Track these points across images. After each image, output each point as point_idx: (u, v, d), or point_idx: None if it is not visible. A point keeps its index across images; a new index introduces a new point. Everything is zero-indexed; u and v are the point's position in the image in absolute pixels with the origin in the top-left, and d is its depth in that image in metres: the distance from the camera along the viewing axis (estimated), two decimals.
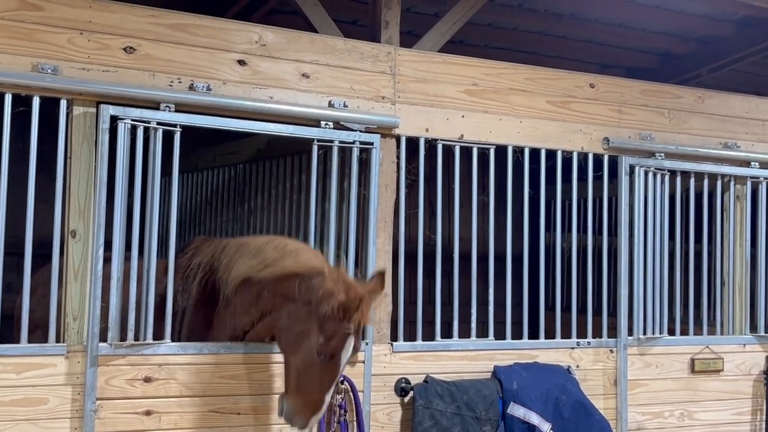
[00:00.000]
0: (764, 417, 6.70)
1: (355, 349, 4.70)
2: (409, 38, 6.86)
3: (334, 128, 5.35)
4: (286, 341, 4.74)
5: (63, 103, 4.71)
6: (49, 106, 4.71)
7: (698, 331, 6.65)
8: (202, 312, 5.19)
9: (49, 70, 4.66)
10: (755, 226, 6.92)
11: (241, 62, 5.19)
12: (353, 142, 5.39)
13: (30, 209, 4.61)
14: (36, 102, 4.66)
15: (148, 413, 4.80)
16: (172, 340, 4.97)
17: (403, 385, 5.48)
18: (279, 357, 5.09)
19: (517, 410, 5.55)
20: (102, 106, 4.76)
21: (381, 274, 4.76)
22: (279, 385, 5.09)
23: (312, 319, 4.60)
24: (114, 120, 4.78)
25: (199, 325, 5.18)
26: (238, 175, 7.02)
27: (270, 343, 5.18)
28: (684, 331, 6.59)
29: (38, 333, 4.82)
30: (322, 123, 5.32)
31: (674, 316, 6.53)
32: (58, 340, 4.68)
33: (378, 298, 4.78)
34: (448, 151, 5.80)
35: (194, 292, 5.20)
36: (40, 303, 4.95)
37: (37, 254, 4.67)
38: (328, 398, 4.62)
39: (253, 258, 4.92)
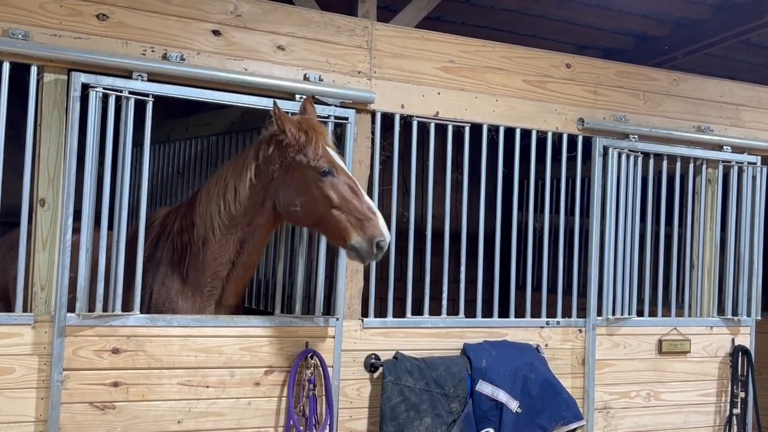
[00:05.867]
0: (729, 398, 6.78)
1: (344, 160, 4.99)
2: (386, 13, 6.84)
3: None
4: (302, 206, 4.91)
5: (33, 70, 4.63)
6: (20, 72, 4.63)
7: (666, 312, 6.71)
8: (174, 277, 5.17)
9: (20, 36, 4.58)
10: (725, 210, 6.98)
11: (216, 32, 5.13)
12: (328, 117, 5.35)
13: None
14: (6, 67, 4.58)
15: (115, 384, 4.77)
16: (142, 310, 4.94)
17: (373, 361, 5.49)
18: (249, 331, 5.09)
19: (485, 388, 5.58)
20: (73, 73, 4.69)
21: (307, 98, 5.12)
22: (248, 359, 5.08)
23: (290, 168, 4.88)
24: (85, 88, 4.71)
25: (174, 290, 5.16)
26: (211, 147, 6.96)
27: (241, 316, 5.17)
28: (652, 313, 6.65)
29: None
30: (297, 96, 5.28)
31: (643, 297, 6.58)
32: (25, 310, 4.64)
33: (311, 114, 5.06)
34: (423, 128, 5.78)
35: (163, 258, 5.19)
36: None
37: (4, 222, 4.61)
38: (370, 201, 4.83)
39: (209, 201, 5.12)
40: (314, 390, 5.17)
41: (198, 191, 5.33)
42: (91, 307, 4.72)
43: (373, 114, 5.59)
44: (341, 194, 4.78)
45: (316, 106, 5.27)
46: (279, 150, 4.95)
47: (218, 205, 5.06)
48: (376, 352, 5.51)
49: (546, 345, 6.10)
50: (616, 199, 6.40)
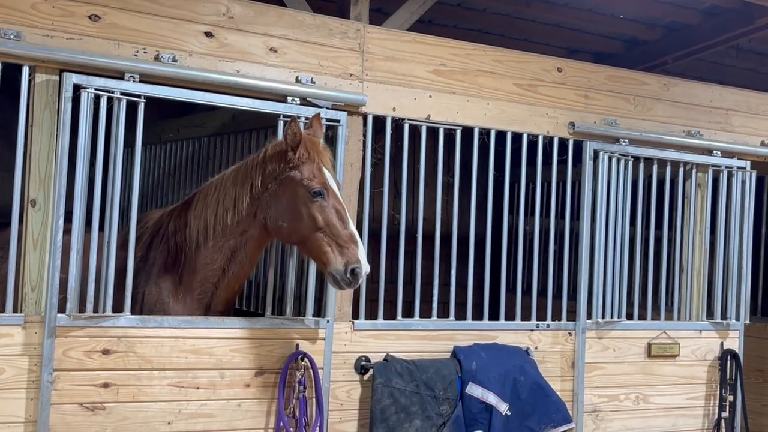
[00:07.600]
0: (718, 402, 6.81)
1: (339, 185, 4.99)
2: (378, 16, 6.84)
3: (300, 104, 5.31)
4: (288, 222, 4.93)
5: (25, 70, 4.62)
6: (11, 73, 4.62)
7: (656, 316, 6.74)
8: (166, 278, 5.17)
9: (12, 36, 4.57)
10: (715, 214, 7.01)
11: (208, 34, 5.13)
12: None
13: None
14: None
15: (105, 385, 4.77)
16: (134, 311, 4.94)
17: (363, 363, 5.49)
18: (239, 332, 5.09)
19: (475, 390, 5.59)
20: (65, 74, 4.69)
21: (316, 116, 5.13)
22: (239, 360, 5.08)
23: (284, 183, 4.90)
24: (77, 89, 4.70)
25: (166, 290, 5.16)
26: (202, 149, 6.95)
27: (232, 318, 5.17)
28: (642, 316, 6.67)
29: None
30: (289, 98, 5.28)
31: (633, 300, 6.60)
32: (15, 310, 4.62)
33: (317, 132, 5.09)
34: (415, 130, 5.79)
35: (157, 259, 5.19)
36: None
37: None
38: (354, 229, 4.84)
39: (206, 206, 5.14)
40: (304, 392, 5.17)
41: (195, 194, 5.32)
42: (82, 308, 4.72)
43: (364, 116, 5.60)
44: (327, 218, 4.81)
45: (308, 108, 5.28)
46: (279, 163, 4.97)
47: (215, 212, 5.08)
48: (367, 354, 5.51)
49: (536, 348, 6.12)
50: (607, 203, 6.42)
